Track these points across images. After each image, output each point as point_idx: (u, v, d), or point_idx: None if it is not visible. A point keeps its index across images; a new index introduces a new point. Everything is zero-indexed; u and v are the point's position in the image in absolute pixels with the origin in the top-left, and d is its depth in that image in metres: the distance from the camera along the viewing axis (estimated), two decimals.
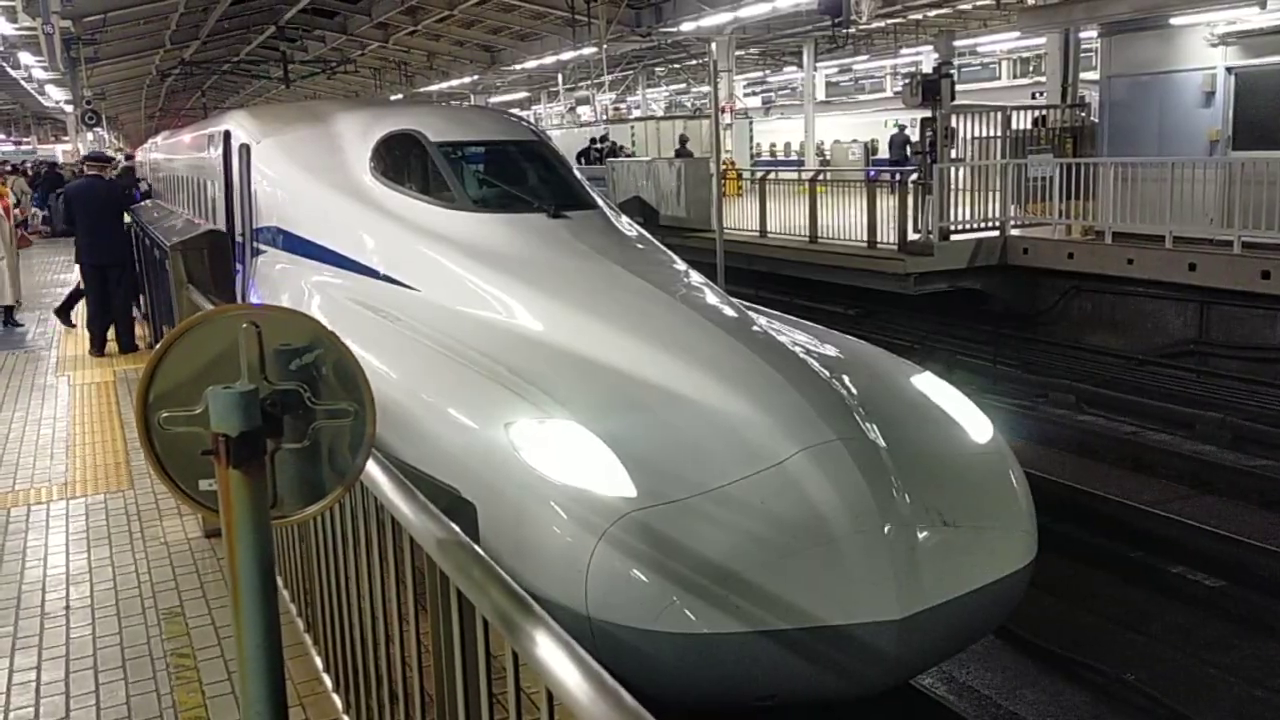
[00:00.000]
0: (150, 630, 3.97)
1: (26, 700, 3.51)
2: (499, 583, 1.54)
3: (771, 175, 19.66)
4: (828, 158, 30.43)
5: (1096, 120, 15.53)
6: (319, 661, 3.42)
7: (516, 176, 8.27)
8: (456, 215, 7.39)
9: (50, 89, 31.78)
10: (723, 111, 24.08)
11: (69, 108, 39.25)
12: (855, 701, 4.32)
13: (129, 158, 11.36)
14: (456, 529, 1.77)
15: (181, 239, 4.77)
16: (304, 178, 8.97)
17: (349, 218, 7.91)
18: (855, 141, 30.68)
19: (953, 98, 14.67)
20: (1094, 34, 16.10)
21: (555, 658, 1.32)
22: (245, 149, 10.28)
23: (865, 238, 14.25)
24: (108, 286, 9.38)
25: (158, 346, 1.63)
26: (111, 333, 9.61)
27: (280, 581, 3.81)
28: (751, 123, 32.84)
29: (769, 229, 16.69)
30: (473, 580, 1.59)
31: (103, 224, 9.42)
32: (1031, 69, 37.19)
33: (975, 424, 5.02)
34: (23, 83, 29.63)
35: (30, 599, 4.31)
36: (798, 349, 5.43)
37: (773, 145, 36.72)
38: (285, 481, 1.64)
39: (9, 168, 15.36)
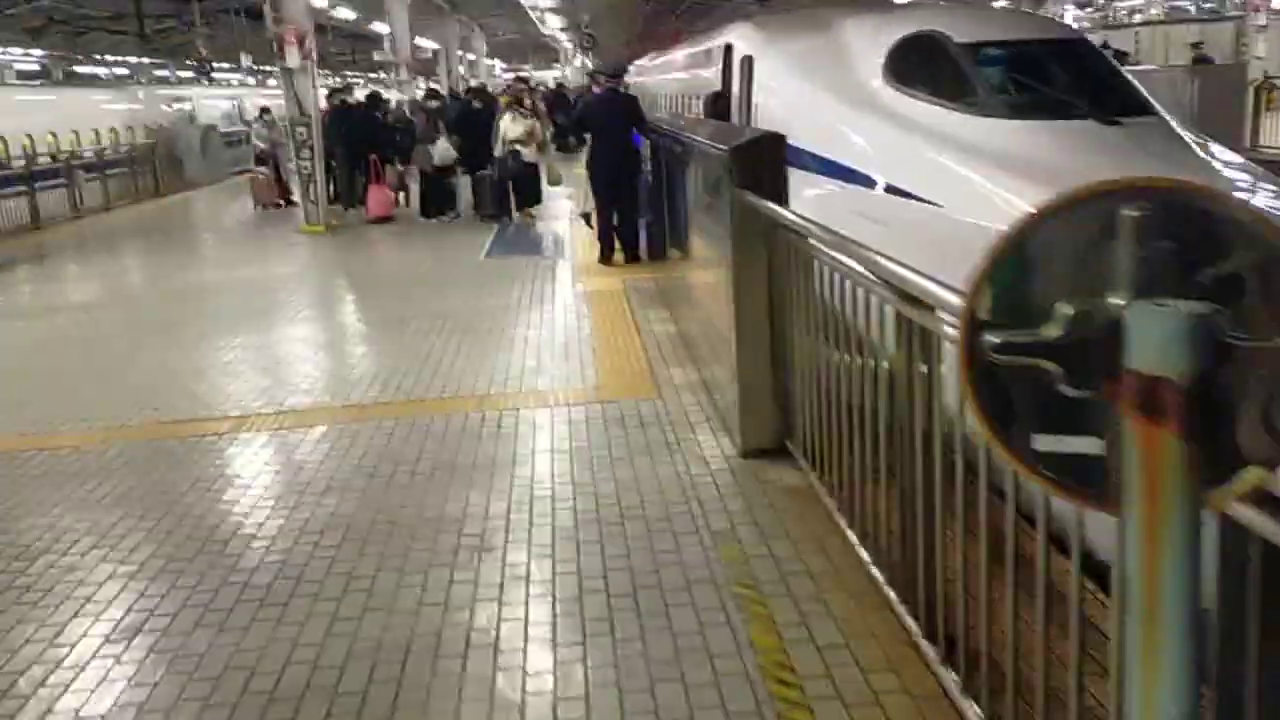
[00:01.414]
0: (708, 553, 3.77)
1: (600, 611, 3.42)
2: None
3: None
4: None
5: None
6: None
7: (1056, 79, 7.30)
8: (989, 123, 6.68)
9: (548, 17, 34.55)
10: (1256, 10, 20.58)
11: (563, 35, 42.68)
12: None
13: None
14: None
15: (739, 142, 4.48)
16: (809, 87, 8.61)
17: (860, 127, 7.46)
18: None
19: None
20: None
21: None
22: (747, 61, 10.12)
23: None
24: (621, 196, 9.68)
25: (991, 249, 1.16)
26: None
27: (881, 576, 3.35)
28: None
29: None
30: None
31: (615, 136, 9.72)
32: None
33: None
34: (529, 11, 32.36)
35: (584, 503, 4.32)
36: None
37: None
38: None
39: (528, 86, 16.76)
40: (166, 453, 5.29)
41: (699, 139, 5.67)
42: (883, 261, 2.94)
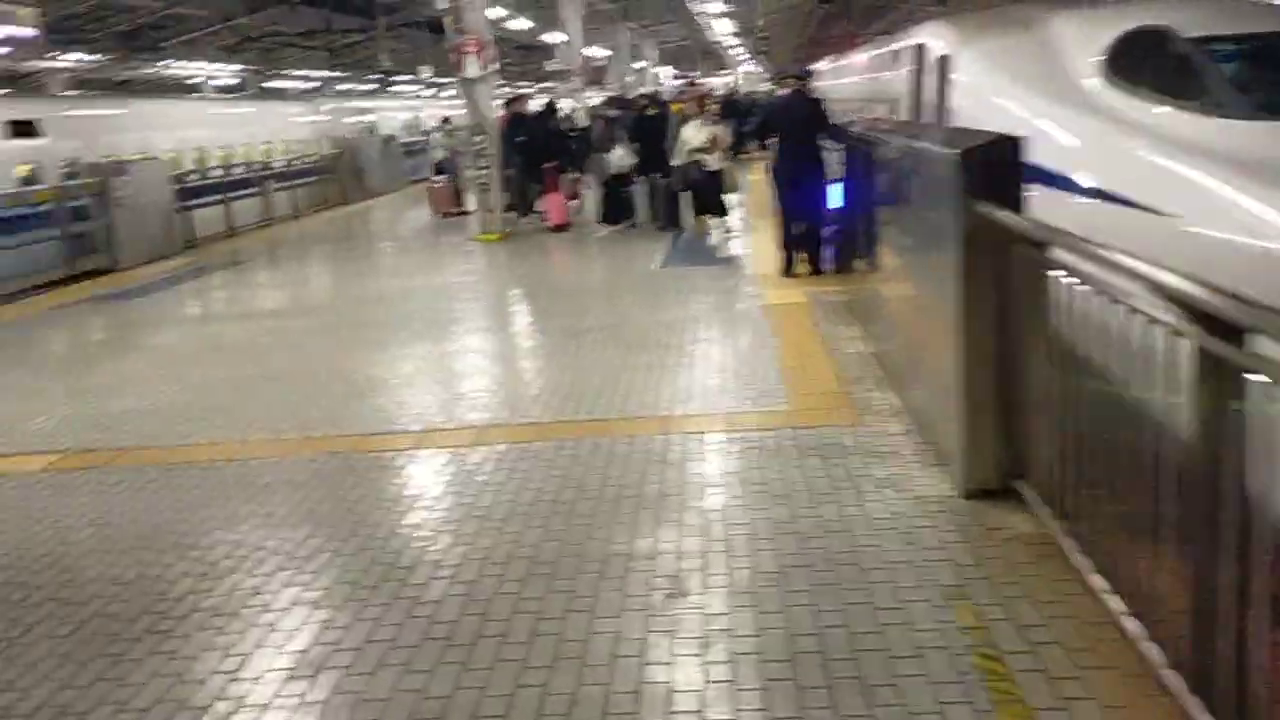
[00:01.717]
0: (937, 613, 3.31)
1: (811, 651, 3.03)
2: None
3: None
4: None
5: None
6: None
7: None
8: (1232, 125, 6.10)
9: (716, 23, 34.23)
10: None
11: (733, 40, 42.31)
12: None
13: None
14: None
15: (972, 144, 4.00)
16: (1016, 87, 8.02)
17: (1077, 130, 6.89)
18: None
19: None
20: None
21: None
22: (943, 61, 9.53)
23: None
24: (804, 204, 9.20)
25: None
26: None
27: (1160, 658, 2.82)
28: None
29: None
30: None
31: (799, 139, 9.27)
32: None
33: None
34: (698, 17, 32.15)
35: (786, 544, 3.93)
36: None
37: None
38: None
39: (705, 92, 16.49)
40: (350, 468, 5.19)
41: (913, 142, 5.20)
42: (1181, 283, 2.45)
